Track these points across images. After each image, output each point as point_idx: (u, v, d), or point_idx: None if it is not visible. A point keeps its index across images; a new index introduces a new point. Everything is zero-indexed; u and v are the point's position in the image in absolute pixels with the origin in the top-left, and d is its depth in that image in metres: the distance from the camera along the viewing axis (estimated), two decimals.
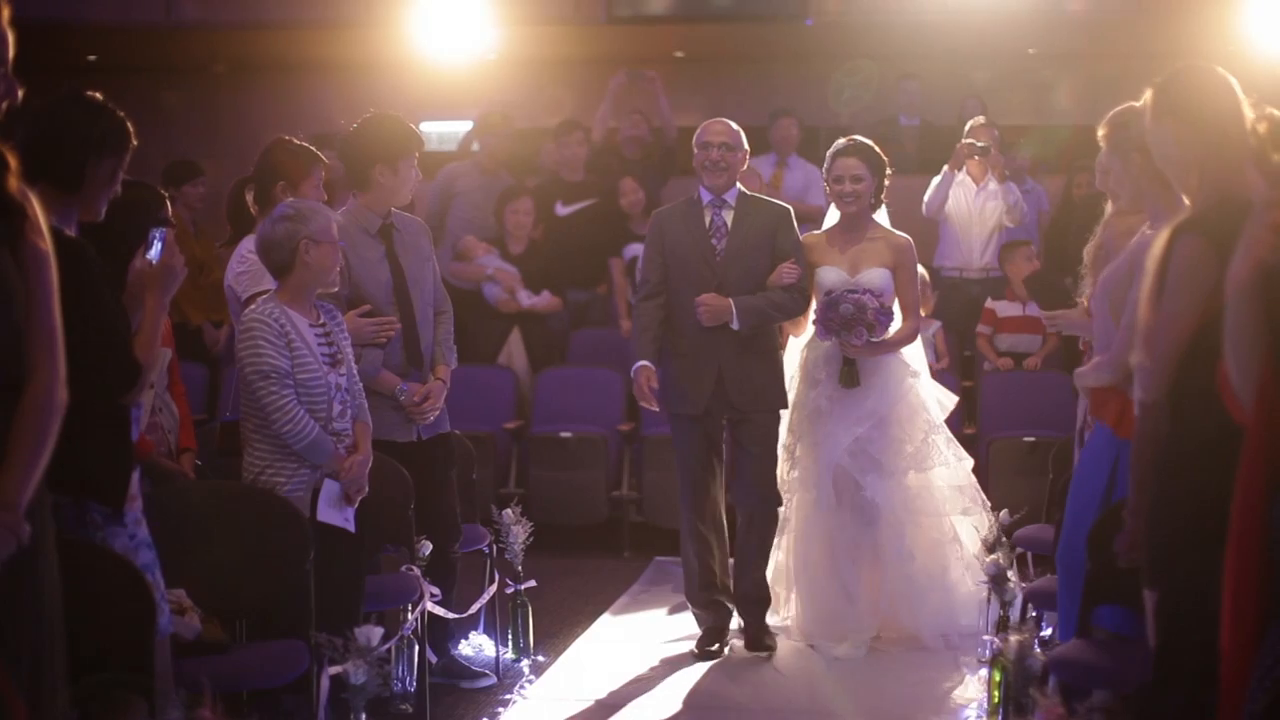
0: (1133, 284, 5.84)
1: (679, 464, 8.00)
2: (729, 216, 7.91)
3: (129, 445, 4.80)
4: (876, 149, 8.01)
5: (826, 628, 7.90)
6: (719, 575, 8.01)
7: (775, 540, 8.09)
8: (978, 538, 7.66)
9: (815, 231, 8.25)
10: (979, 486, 8.15)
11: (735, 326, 7.76)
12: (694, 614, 8.11)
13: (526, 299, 11.23)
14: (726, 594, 8.03)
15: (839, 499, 7.86)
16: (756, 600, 7.97)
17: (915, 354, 8.17)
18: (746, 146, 7.99)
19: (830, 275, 7.92)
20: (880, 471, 7.88)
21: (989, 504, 7.98)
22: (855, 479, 7.85)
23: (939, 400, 8.15)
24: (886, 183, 8.04)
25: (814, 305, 7.93)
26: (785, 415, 8.04)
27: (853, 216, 8.00)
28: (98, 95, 4.89)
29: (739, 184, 8.00)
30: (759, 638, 7.91)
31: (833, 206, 8.13)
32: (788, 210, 8.04)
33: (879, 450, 7.90)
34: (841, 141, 8.05)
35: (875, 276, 7.89)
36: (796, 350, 8.15)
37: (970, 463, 8.13)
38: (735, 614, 8.06)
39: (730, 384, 7.81)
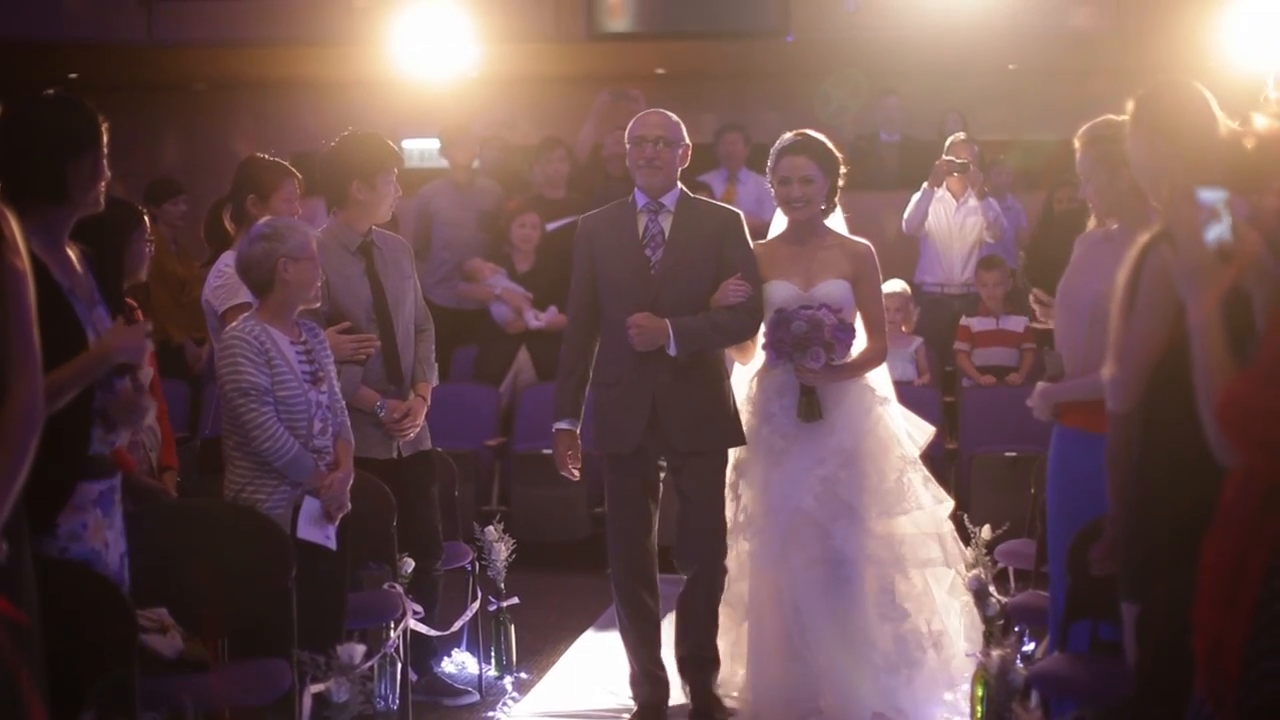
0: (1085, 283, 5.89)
1: (609, 509, 6.96)
2: (667, 223, 6.80)
3: (63, 464, 4.60)
4: (829, 144, 6.94)
5: (781, 710, 6.73)
6: (656, 642, 6.96)
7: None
8: (951, 592, 6.94)
9: (761, 241, 7.05)
10: (957, 535, 7.03)
11: (672, 352, 6.67)
12: (630, 684, 7.04)
13: (534, 320, 11.21)
14: (660, 666, 6.96)
15: (800, 551, 6.71)
16: (702, 663, 6.87)
17: (882, 378, 7.08)
18: (688, 141, 6.90)
19: (781, 291, 6.83)
20: (851, 516, 6.75)
21: (968, 555, 7.02)
22: (822, 526, 6.72)
23: (911, 433, 7.02)
24: (840, 183, 6.96)
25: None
26: (733, 454, 6.96)
27: (803, 223, 6.91)
28: (51, 93, 4.81)
29: (680, 185, 6.90)
30: (706, 707, 6.85)
31: (779, 212, 7.07)
32: (737, 216, 6.92)
33: (849, 492, 6.75)
34: (788, 137, 6.94)
35: (833, 290, 6.82)
36: (745, 380, 7.02)
37: (949, 506, 7.01)
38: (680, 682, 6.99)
39: (666, 418, 6.73)
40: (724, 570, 6.86)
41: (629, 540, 6.85)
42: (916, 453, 6.98)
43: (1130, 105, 4.68)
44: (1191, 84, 4.60)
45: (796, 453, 6.79)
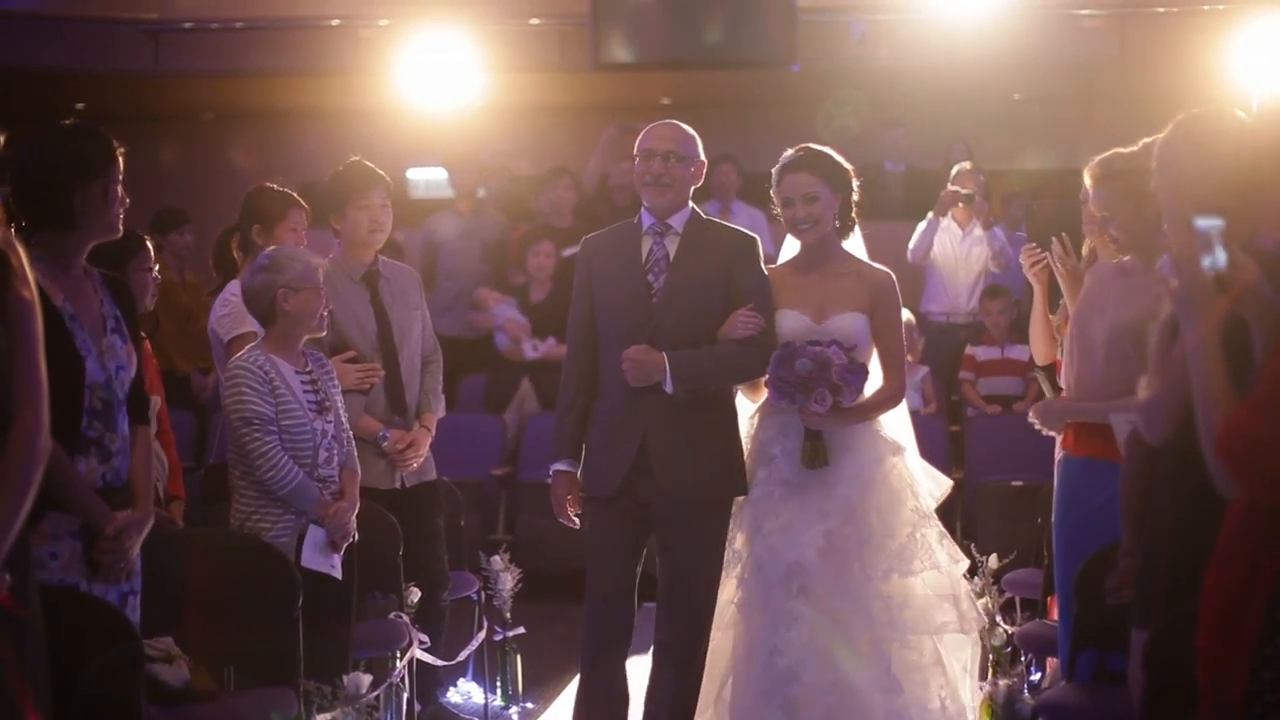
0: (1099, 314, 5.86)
1: (588, 562, 6.13)
2: (673, 246, 6.09)
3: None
4: (836, 157, 6.23)
5: None
6: None
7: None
8: (965, 662, 6.18)
9: (771, 267, 6.32)
10: (974, 597, 6.33)
11: (668, 389, 5.92)
12: None
13: (530, 350, 11.23)
14: None
15: (794, 608, 5.95)
16: None
17: (900, 423, 6.39)
18: (703, 157, 6.18)
19: (791, 321, 6.13)
20: (853, 575, 6.00)
21: (985, 620, 6.46)
22: (821, 584, 5.95)
23: (928, 486, 6.32)
24: (855, 198, 6.26)
25: None
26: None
27: (815, 247, 6.22)
28: (70, 121, 4.84)
29: (692, 205, 6.19)
30: None
31: (790, 236, 6.42)
32: (752, 240, 6.19)
33: (854, 548, 6.00)
34: (789, 153, 6.25)
35: (847, 324, 6.12)
36: (744, 417, 6.30)
37: (964, 566, 6.26)
38: None
39: (657, 460, 5.96)
40: (703, 653, 6.05)
41: (605, 604, 6.04)
42: (933, 506, 6.25)
43: (1170, 130, 4.51)
44: (1233, 111, 4.43)
45: (798, 503, 6.05)
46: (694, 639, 5.99)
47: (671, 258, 6.07)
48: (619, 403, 6.04)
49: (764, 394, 6.15)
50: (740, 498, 6.14)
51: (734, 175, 12.53)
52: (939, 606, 6.08)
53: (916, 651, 6.03)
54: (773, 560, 5.98)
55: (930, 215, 11.37)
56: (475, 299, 11.60)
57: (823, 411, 5.91)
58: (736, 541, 6.12)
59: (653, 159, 6.06)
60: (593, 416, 6.14)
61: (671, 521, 6.00)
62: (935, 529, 6.13)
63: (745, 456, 6.18)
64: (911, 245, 11.39)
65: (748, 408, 6.34)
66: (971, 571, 6.87)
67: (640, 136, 6.16)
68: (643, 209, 6.16)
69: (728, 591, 6.12)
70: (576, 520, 6.16)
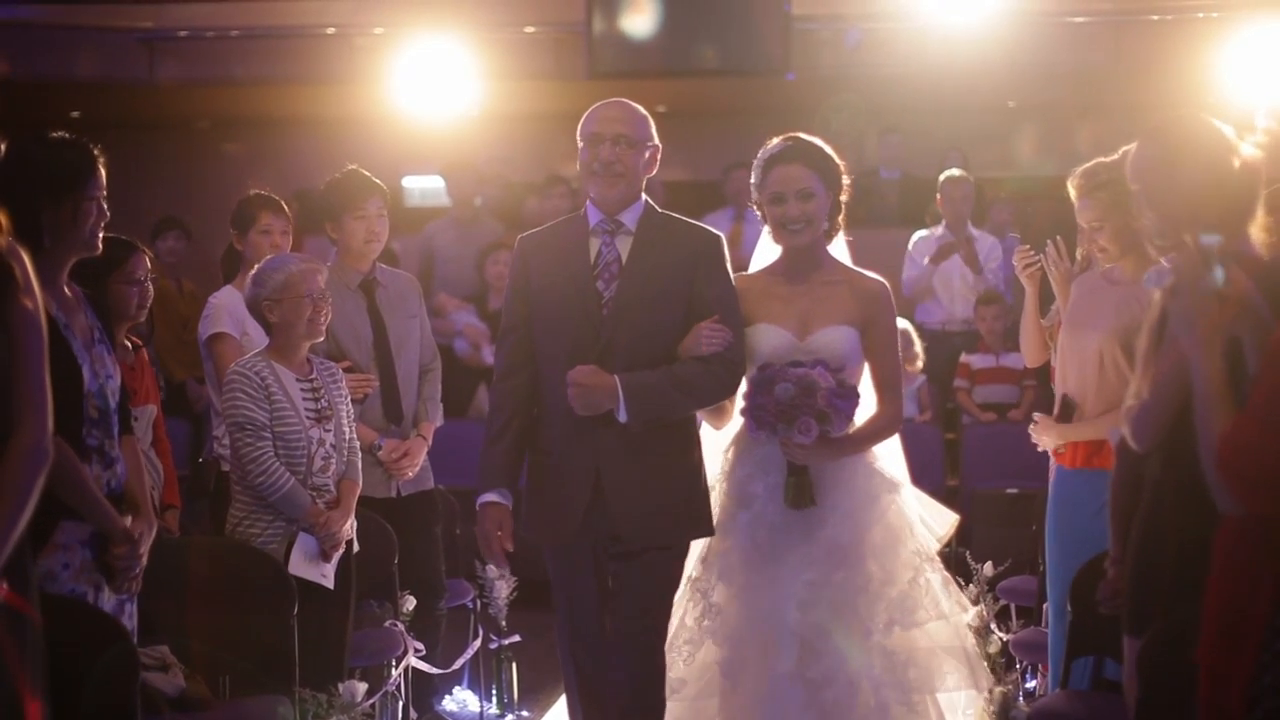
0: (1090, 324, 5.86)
1: (557, 609, 5.56)
2: (625, 247, 5.30)
3: (45, 500, 4.51)
4: (828, 150, 5.50)
5: None
6: None
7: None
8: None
9: (745, 274, 5.60)
10: (979, 651, 5.72)
11: (622, 418, 5.15)
12: None
13: (489, 355, 11.26)
14: None
15: (781, 667, 5.24)
16: None
17: (894, 455, 5.62)
18: (656, 141, 5.40)
19: (771, 338, 5.37)
20: (850, 629, 5.25)
21: (992, 675, 5.80)
22: (809, 643, 5.24)
23: (927, 522, 5.58)
24: (844, 198, 5.53)
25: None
26: (698, 546, 5.46)
27: (802, 252, 5.46)
28: (52, 134, 4.69)
29: (646, 198, 5.41)
30: None
31: (766, 235, 5.68)
32: (717, 239, 5.42)
33: (848, 597, 5.27)
34: (775, 143, 5.53)
35: (834, 339, 5.36)
36: (719, 449, 5.54)
37: (970, 614, 5.72)
38: None
39: (613, 500, 5.22)
40: (660, 705, 5.32)
41: (587, 651, 5.44)
42: (935, 547, 5.55)
43: (1142, 138, 4.44)
44: (1204, 116, 4.35)
45: (785, 548, 5.34)
46: (653, 672, 5.32)
47: (624, 261, 5.30)
48: (561, 432, 5.31)
49: (729, 420, 5.53)
50: (716, 540, 5.46)
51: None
52: (943, 661, 5.44)
53: (914, 713, 5.33)
54: (758, 615, 5.31)
55: (926, 262, 11.28)
56: (435, 305, 11.60)
57: (808, 443, 5.20)
58: (715, 594, 5.42)
59: (600, 144, 5.30)
60: (537, 447, 5.45)
61: (626, 561, 5.33)
62: (939, 574, 5.46)
63: (722, 496, 5.49)
64: (905, 277, 11.32)
65: (720, 440, 5.61)
66: (966, 580, 6.82)
67: (584, 119, 5.40)
68: (588, 203, 5.39)
69: (707, 652, 5.43)
70: (505, 561, 5.63)
